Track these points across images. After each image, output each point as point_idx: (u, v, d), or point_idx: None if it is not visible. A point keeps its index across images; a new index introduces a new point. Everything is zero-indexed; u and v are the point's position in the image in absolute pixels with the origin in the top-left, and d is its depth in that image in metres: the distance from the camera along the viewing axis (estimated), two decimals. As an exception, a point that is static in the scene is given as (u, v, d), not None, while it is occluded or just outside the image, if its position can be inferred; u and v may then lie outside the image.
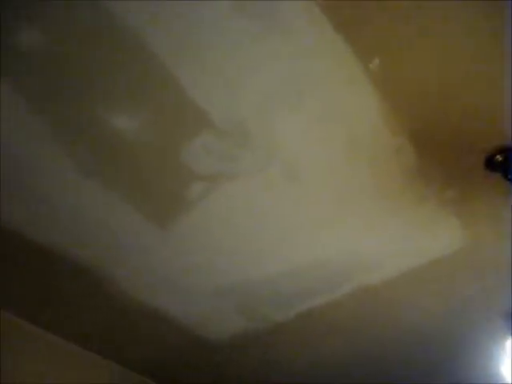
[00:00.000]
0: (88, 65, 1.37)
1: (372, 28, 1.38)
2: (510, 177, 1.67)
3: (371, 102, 1.51)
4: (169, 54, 1.37)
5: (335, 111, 1.52)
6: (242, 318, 2.13)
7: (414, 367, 2.64)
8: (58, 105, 1.44)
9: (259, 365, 2.49)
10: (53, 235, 1.76)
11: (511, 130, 1.59)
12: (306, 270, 1.93)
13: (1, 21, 1.28)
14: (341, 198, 1.73)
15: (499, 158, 1.66)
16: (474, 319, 2.37)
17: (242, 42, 1.37)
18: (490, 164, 1.67)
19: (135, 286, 1.98)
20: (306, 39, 1.38)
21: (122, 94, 1.43)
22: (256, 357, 2.42)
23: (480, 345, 2.55)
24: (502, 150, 1.64)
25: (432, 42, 1.41)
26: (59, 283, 1.96)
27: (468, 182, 1.75)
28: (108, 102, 1.44)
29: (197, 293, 1.99)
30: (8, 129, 1.47)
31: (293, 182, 1.65)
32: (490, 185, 1.74)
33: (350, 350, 2.44)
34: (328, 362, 2.50)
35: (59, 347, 2.23)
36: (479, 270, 2.09)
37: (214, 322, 2.16)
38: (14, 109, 1.43)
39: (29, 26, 1.30)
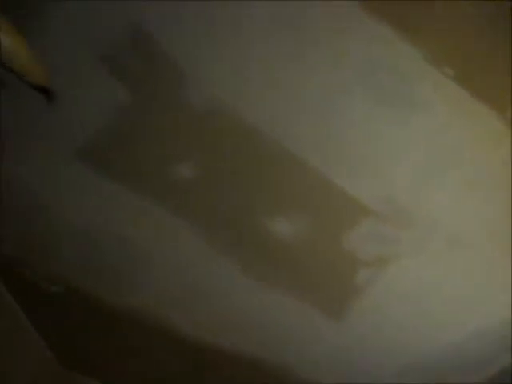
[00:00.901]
0: (251, 180, 1.50)
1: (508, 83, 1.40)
2: None
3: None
4: (318, 158, 1.46)
5: (486, 172, 1.51)
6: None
7: None
8: (224, 216, 1.55)
9: None
10: (221, 336, 1.81)
11: None
12: (489, 332, 1.86)
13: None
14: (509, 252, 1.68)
15: None
16: None
17: (383, 130, 1.43)
18: None
19: (312, 373, 1.97)
20: (445, 113, 1.41)
21: (283, 203, 1.52)
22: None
23: None
24: None
25: None
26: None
27: None
28: (270, 211, 1.54)
29: (378, 374, 1.96)
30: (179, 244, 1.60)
31: (458, 249, 1.63)
32: None
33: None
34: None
35: None
36: None
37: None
38: (179, 228, 1.56)
39: (186, 160, 1.47)
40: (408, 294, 1.71)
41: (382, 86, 1.38)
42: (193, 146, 1.45)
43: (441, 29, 1.33)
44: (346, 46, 1.35)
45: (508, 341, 1.85)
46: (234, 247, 1.59)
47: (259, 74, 1.39)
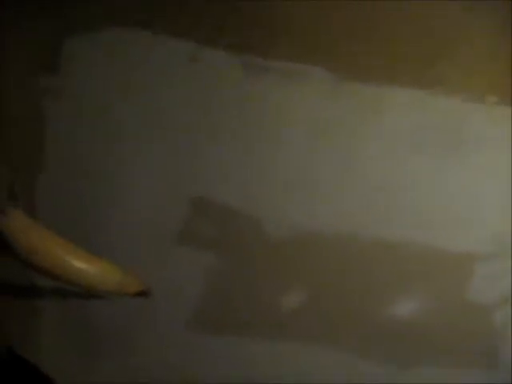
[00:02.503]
0: (357, 280, 1.48)
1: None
2: None
3: None
4: (409, 231, 1.45)
5: None
6: None
7: None
8: (347, 320, 1.52)
9: None
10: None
11: None
12: None
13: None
14: None
15: None
16: None
17: (455, 179, 1.42)
18: None
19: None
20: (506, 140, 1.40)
21: (397, 286, 1.50)
22: None
23: None
24: None
25: None
26: None
27: None
28: (387, 298, 1.51)
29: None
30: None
31: None
32: None
33: None
34: None
35: None
36: None
37: None
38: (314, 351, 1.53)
39: (290, 290, 1.48)
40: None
41: (434, 142, 1.39)
42: (290, 274, 1.46)
43: (467, 67, 1.35)
44: (381, 118, 1.38)
45: None
46: (371, 345, 1.54)
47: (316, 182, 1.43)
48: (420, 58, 1.30)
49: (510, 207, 1.48)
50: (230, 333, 1.52)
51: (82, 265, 1.14)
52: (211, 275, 1.46)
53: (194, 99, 1.33)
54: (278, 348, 1.55)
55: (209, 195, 1.41)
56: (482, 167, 1.42)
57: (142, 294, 1.30)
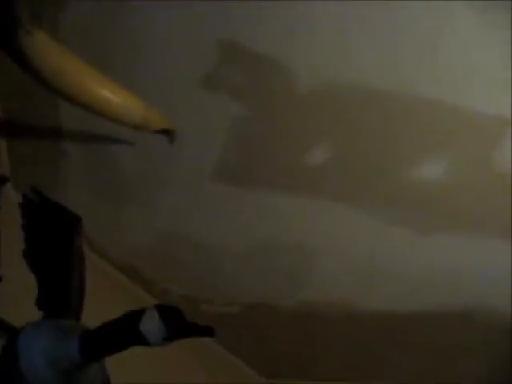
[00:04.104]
0: (384, 138, 1.45)
1: None
2: None
3: None
4: (439, 90, 1.38)
5: None
6: None
7: None
8: (373, 181, 1.52)
9: None
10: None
11: None
12: None
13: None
14: None
15: None
16: None
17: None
18: None
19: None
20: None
21: (424, 149, 1.47)
22: None
23: None
24: None
25: None
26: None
27: None
28: (413, 161, 1.49)
29: None
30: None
31: None
32: None
33: None
34: None
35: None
36: None
37: None
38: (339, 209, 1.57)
39: (318, 142, 1.45)
40: None
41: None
42: (317, 130, 1.43)
43: None
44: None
45: None
46: (394, 208, 1.56)
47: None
48: None
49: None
50: (253, 186, 1.52)
51: (106, 93, 1.12)
52: (237, 124, 1.43)
53: None
54: (300, 203, 1.56)
55: (236, 39, 1.34)
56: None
57: (167, 132, 1.29)
